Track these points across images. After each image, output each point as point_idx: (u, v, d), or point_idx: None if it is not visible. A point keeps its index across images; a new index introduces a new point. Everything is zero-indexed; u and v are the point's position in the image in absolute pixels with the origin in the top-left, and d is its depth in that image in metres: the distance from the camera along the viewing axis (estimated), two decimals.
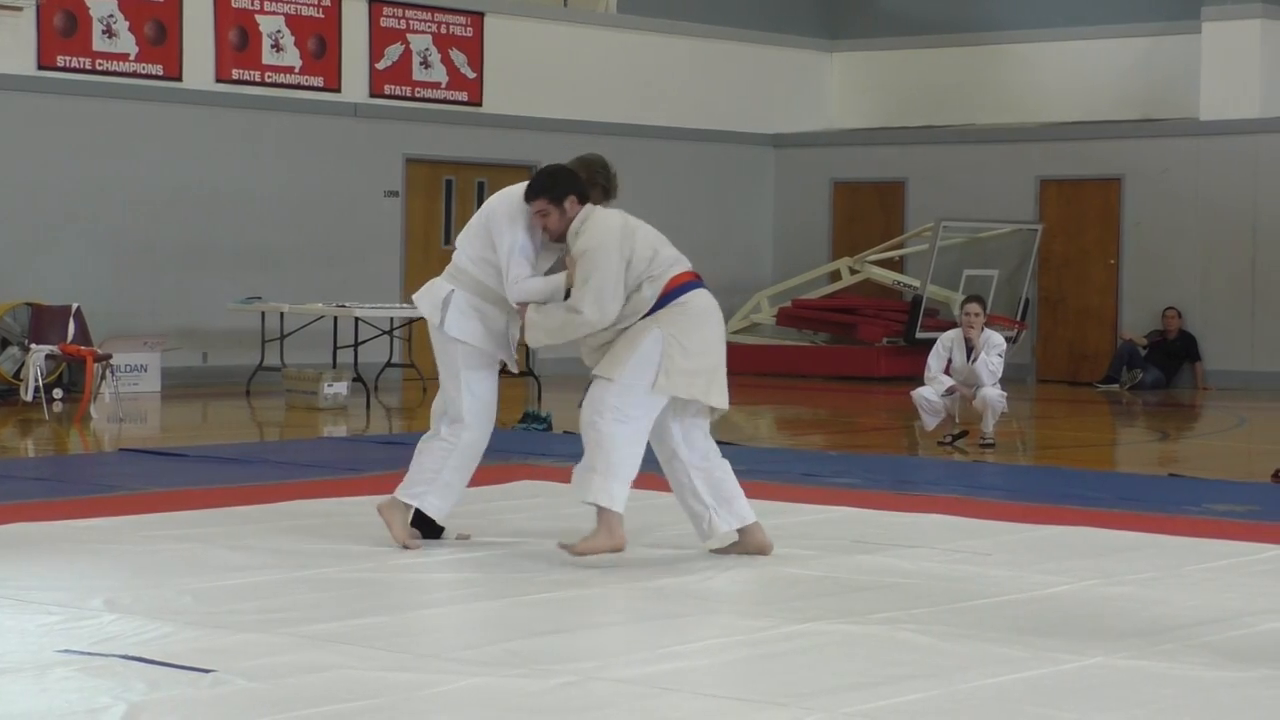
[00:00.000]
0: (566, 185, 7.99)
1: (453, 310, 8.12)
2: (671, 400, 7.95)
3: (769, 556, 8.02)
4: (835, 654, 6.14)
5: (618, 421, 7.82)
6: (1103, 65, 22.22)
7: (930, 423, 13.78)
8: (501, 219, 8.06)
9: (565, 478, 10.65)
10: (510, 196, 8.16)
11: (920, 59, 23.49)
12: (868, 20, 23.93)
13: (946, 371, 13.82)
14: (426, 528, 8.24)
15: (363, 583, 7.40)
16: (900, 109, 23.57)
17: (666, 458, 8.11)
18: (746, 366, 22.14)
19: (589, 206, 8.04)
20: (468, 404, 8.13)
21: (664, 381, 7.85)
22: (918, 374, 14.25)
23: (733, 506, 8.05)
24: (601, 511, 7.79)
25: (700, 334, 7.96)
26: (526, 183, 8.12)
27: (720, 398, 8.08)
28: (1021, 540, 8.76)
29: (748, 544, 8.06)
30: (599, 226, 7.93)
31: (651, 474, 11.03)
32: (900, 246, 22.51)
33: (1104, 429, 17.26)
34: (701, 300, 8.02)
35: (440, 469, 8.13)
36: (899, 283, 22.15)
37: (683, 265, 8.01)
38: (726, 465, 8.16)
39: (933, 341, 14.36)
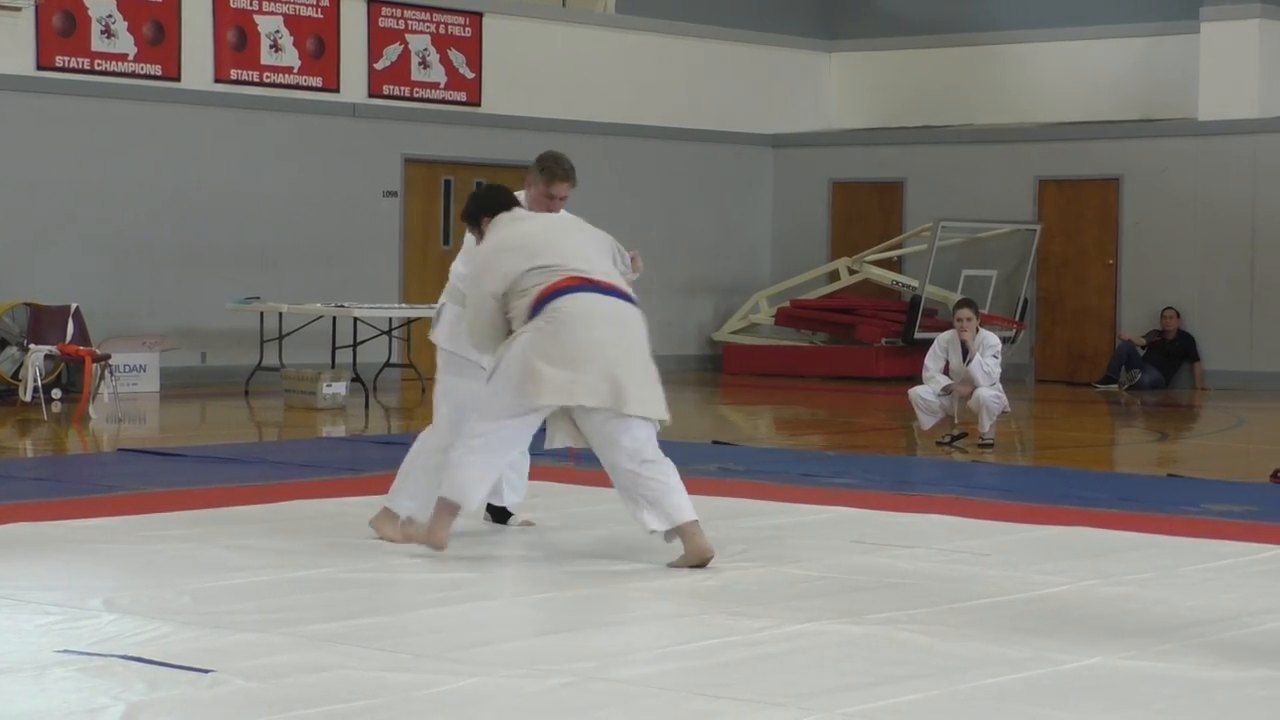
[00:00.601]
0: (478, 207, 8.16)
1: (441, 322, 8.45)
2: (577, 408, 7.77)
3: (772, 558, 8.01)
4: (834, 654, 6.14)
5: (467, 450, 7.84)
6: (1101, 65, 22.23)
7: (928, 422, 13.78)
8: (471, 243, 8.34)
9: (564, 477, 10.67)
10: None
11: (918, 59, 23.49)
12: (866, 20, 23.92)
13: (945, 372, 13.83)
14: (497, 514, 8.78)
15: (361, 583, 7.40)
16: (899, 109, 23.57)
17: (604, 463, 7.99)
18: (745, 367, 22.18)
19: (495, 220, 8.06)
20: (443, 409, 8.36)
21: (529, 389, 7.71)
22: (916, 374, 14.26)
23: (661, 506, 7.74)
24: (440, 503, 7.85)
25: (569, 338, 7.71)
26: None
27: (593, 398, 7.73)
28: (1020, 540, 8.76)
29: (687, 551, 7.77)
30: (480, 249, 8.06)
31: None
32: (899, 247, 22.51)
33: (1103, 429, 17.27)
34: (577, 304, 7.76)
35: (409, 470, 8.42)
36: (897, 283, 22.15)
37: (562, 273, 7.78)
38: (663, 465, 7.85)
39: (931, 342, 14.37)
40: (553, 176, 8.32)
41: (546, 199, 8.34)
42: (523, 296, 7.78)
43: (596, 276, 7.85)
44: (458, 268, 8.43)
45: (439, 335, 8.46)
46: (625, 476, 7.80)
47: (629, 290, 8.02)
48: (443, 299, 8.52)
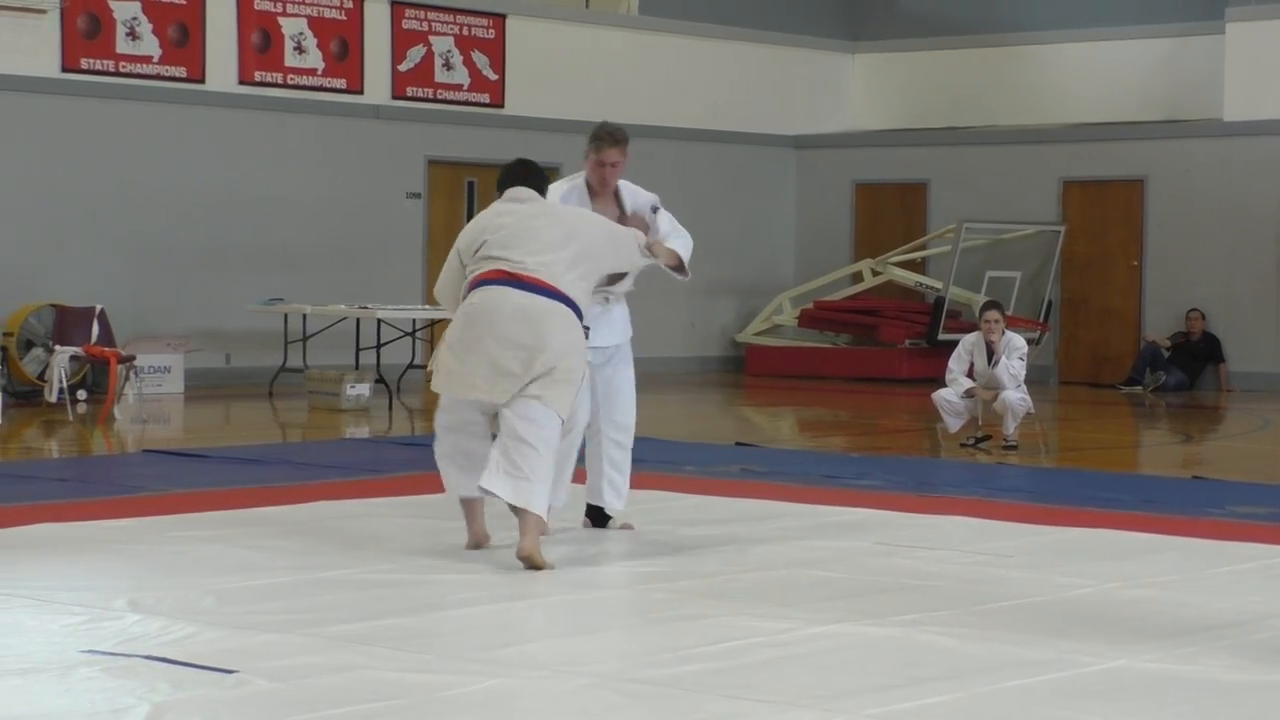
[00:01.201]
0: (499, 180, 8.51)
1: None
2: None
3: (795, 560, 8.01)
4: (857, 656, 6.13)
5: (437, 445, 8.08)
6: (1126, 66, 22.18)
7: (952, 425, 13.77)
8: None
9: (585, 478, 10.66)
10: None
11: (942, 60, 23.46)
12: (889, 21, 23.90)
13: (969, 374, 13.80)
14: (595, 516, 8.86)
15: (384, 584, 7.41)
16: (922, 110, 23.54)
17: None
18: (768, 368, 22.17)
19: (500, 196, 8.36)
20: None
21: (434, 376, 8.03)
22: (940, 376, 14.24)
23: (515, 480, 7.67)
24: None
25: (464, 332, 7.89)
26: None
27: (469, 390, 7.82)
28: (1044, 542, 8.74)
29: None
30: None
31: (665, 475, 11.03)
32: (922, 248, 22.49)
33: (1127, 431, 17.23)
34: (479, 297, 7.90)
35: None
36: (921, 284, 22.13)
37: (489, 265, 7.94)
38: (534, 451, 7.70)
39: (955, 343, 14.35)
40: (601, 143, 8.62)
41: (599, 166, 8.65)
42: (465, 281, 8.08)
43: (520, 271, 7.89)
44: None
45: None
46: (499, 444, 7.80)
47: (558, 286, 7.89)
48: None
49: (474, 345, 7.84)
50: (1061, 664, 5.99)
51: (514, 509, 7.74)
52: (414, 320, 18.47)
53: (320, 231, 19.43)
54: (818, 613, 6.81)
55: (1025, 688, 5.69)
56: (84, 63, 17.77)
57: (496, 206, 8.23)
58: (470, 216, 20.88)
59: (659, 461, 11.85)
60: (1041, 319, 21.47)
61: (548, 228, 8.04)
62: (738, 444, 13.50)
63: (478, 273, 7.98)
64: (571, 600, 7.12)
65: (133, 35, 18.05)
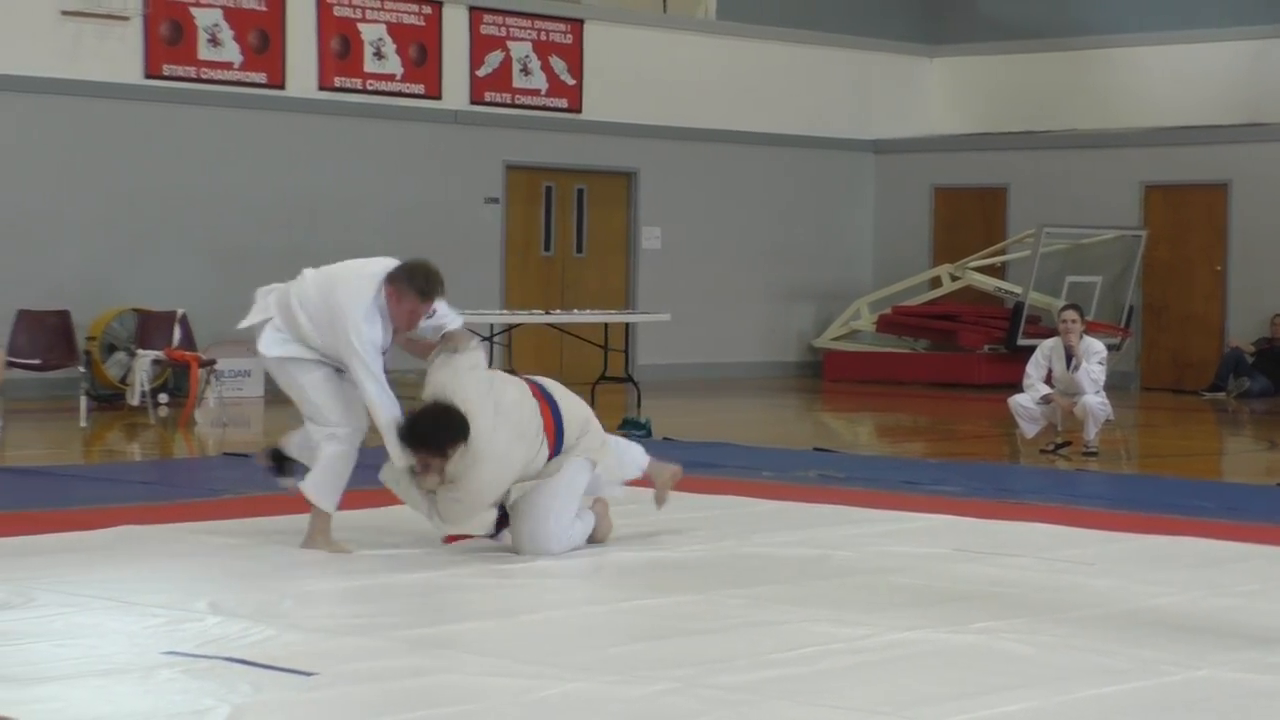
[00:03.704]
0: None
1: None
2: None
3: (873, 566, 7.98)
4: (935, 663, 6.10)
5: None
6: (1208, 68, 21.99)
7: (1029, 430, 13.67)
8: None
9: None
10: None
11: (1022, 63, 23.33)
12: (969, 25, 23.79)
13: (1047, 380, 13.70)
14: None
15: (463, 587, 7.43)
16: (1002, 114, 23.41)
17: None
18: (846, 373, 22.09)
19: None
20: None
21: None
22: (1018, 381, 14.15)
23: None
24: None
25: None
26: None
27: None
28: (1125, 550, 8.67)
29: None
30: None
31: (743, 480, 11.01)
32: (1002, 253, 22.37)
33: (1210, 438, 17.07)
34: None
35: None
36: (1000, 289, 22.02)
37: None
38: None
39: (1034, 349, 14.25)
40: (429, 296, 8.49)
41: (412, 315, 8.45)
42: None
43: None
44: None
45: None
46: None
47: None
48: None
49: None
50: (1143, 673, 5.94)
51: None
52: (491, 325, 18.50)
53: (398, 236, 19.47)
54: (896, 619, 6.78)
55: (1105, 697, 5.65)
56: (166, 69, 17.91)
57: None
58: (549, 221, 20.96)
59: (736, 466, 11.84)
60: (1122, 325, 21.31)
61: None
62: (815, 449, 13.46)
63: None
64: (648, 605, 7.11)
65: (214, 42, 18.18)
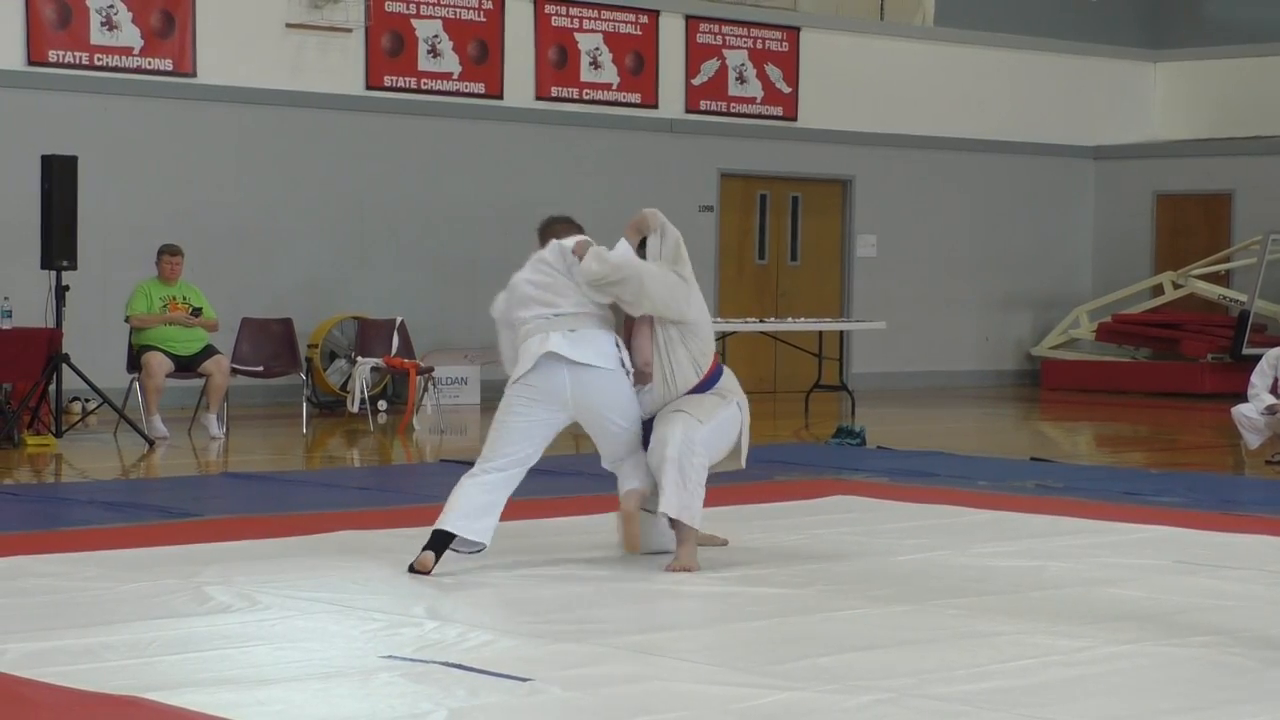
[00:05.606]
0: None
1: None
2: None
3: (1092, 578, 7.86)
4: (1156, 677, 5.99)
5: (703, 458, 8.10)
6: None
7: (1252, 441, 13.36)
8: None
9: (879, 493, 10.61)
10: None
11: (1248, 67, 22.84)
12: (1193, 28, 23.35)
13: (1274, 390, 13.38)
14: None
15: (676, 594, 7.45)
16: (1227, 119, 22.94)
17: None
18: (1065, 382, 21.79)
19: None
20: None
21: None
22: (1243, 391, 13.84)
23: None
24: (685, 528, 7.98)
25: None
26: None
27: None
28: None
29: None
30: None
31: (959, 490, 10.90)
32: (1226, 260, 21.92)
33: None
34: None
35: None
36: (1225, 297, 21.57)
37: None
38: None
39: (1259, 358, 13.93)
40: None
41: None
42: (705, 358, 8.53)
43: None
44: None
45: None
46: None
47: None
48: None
49: None
50: None
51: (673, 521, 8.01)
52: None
53: (612, 244, 19.59)
54: (1115, 632, 6.67)
55: None
56: (387, 80, 18.20)
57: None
58: (763, 229, 20.94)
59: (952, 476, 11.73)
60: None
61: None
62: (1033, 459, 13.29)
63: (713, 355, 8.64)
64: (861, 615, 7.07)
65: (434, 53, 18.44)
